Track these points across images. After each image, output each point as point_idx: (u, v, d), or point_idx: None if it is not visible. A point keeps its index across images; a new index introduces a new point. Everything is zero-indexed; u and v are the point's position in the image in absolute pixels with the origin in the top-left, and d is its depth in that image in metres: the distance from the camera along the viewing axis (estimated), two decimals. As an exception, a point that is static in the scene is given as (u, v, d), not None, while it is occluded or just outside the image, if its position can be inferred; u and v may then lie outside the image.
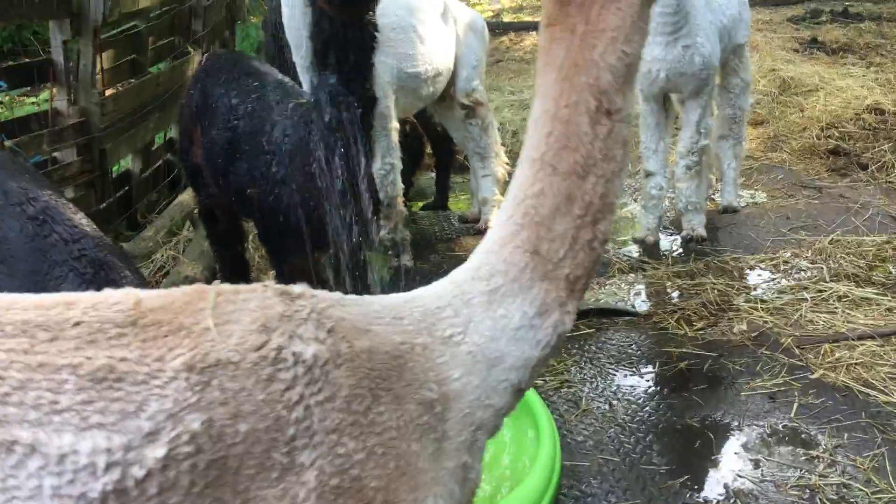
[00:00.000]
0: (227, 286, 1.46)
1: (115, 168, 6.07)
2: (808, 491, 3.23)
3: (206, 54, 5.80)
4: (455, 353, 1.54)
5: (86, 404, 1.23)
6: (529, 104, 8.65)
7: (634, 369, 4.25)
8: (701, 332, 4.54)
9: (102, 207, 5.81)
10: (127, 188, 6.20)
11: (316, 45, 2.93)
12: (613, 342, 4.52)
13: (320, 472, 1.38)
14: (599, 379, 4.19)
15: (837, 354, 4.11)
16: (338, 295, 1.56)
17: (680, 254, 5.53)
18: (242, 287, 1.48)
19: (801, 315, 4.53)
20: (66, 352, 1.27)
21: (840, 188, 6.47)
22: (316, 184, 3.10)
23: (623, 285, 5.13)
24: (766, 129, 7.73)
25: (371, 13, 2.84)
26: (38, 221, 2.58)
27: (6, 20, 6.27)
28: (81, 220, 2.69)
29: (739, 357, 4.23)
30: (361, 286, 3.25)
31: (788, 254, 5.33)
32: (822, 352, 4.15)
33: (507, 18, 16.54)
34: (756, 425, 3.69)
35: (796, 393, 3.86)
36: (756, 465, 3.42)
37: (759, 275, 5.14)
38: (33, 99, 8.23)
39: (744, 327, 4.50)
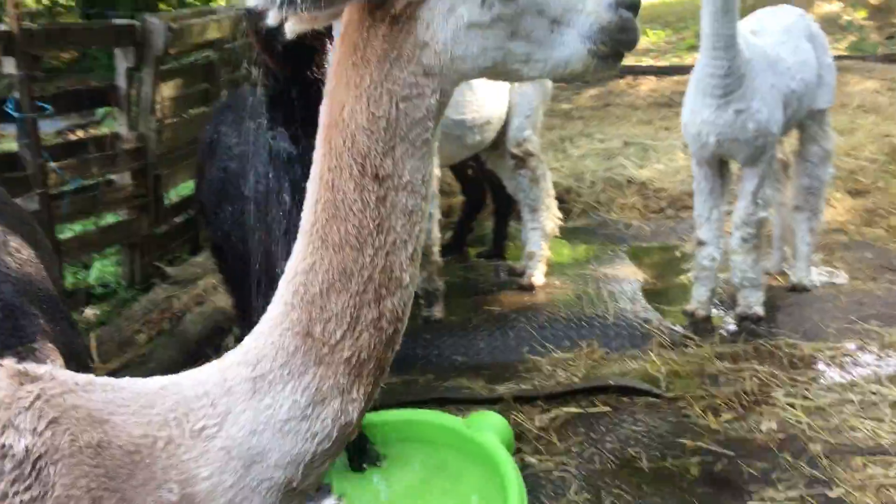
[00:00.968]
0: None
1: (170, 193, 6.22)
2: None
3: (227, 90, 5.88)
4: (206, 449, 1.38)
5: None
6: (617, 153, 8.39)
7: (638, 461, 3.88)
8: (726, 424, 4.12)
9: (161, 231, 5.98)
10: (187, 213, 6.34)
11: (265, 101, 2.85)
12: (625, 426, 4.17)
13: None
14: (597, 465, 3.86)
15: (870, 471, 3.61)
16: (86, 378, 1.43)
17: (730, 332, 5.07)
18: None
19: (843, 420, 4.03)
20: None
21: (935, 276, 5.80)
22: (274, 237, 3.00)
23: (659, 362, 4.74)
24: (864, 201, 7.05)
25: (317, 69, 2.72)
26: None
27: (76, 45, 6.57)
28: (19, 261, 2.66)
29: (758, 460, 3.79)
30: None
31: (852, 345, 4.78)
32: (852, 466, 3.66)
33: (629, 61, 16.13)
34: (751, 545, 3.28)
35: (809, 513, 3.41)
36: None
37: (810, 366, 4.62)
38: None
39: (773, 426, 4.04)
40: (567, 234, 6.91)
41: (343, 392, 1.43)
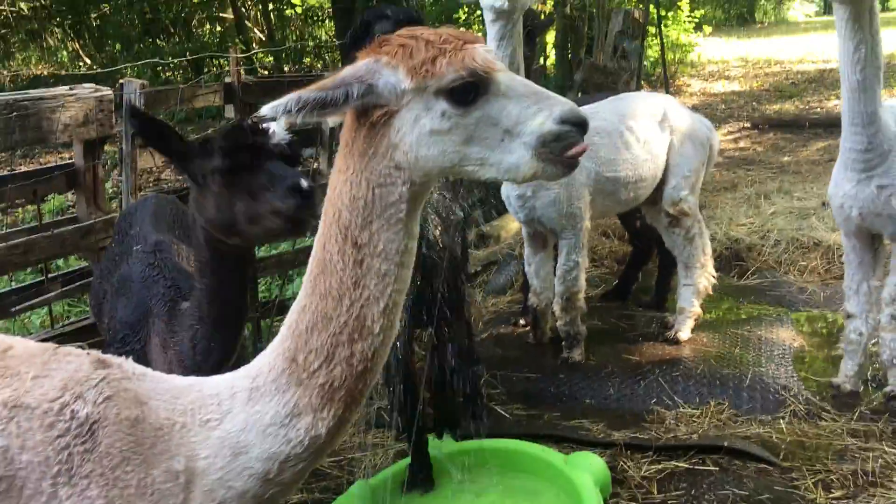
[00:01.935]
0: (68, 348, 2.00)
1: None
2: None
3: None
4: (207, 436, 1.87)
5: None
6: (811, 213, 8.12)
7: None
8: (833, 501, 4.07)
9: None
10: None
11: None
12: (728, 487, 4.23)
13: None
14: (687, 521, 4.00)
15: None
16: (142, 370, 2.00)
17: (872, 410, 4.89)
18: (76, 351, 2.01)
19: (962, 515, 3.85)
20: None
21: None
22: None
23: (786, 430, 4.71)
24: None
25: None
26: (152, 261, 3.33)
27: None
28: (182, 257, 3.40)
29: (852, 541, 3.75)
30: None
31: None
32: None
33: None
34: None
35: None
36: None
37: (949, 456, 4.39)
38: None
39: (881, 509, 3.95)
40: (735, 291, 6.90)
41: (315, 411, 1.84)
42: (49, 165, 4.17)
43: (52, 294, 4.25)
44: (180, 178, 8.07)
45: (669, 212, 5.72)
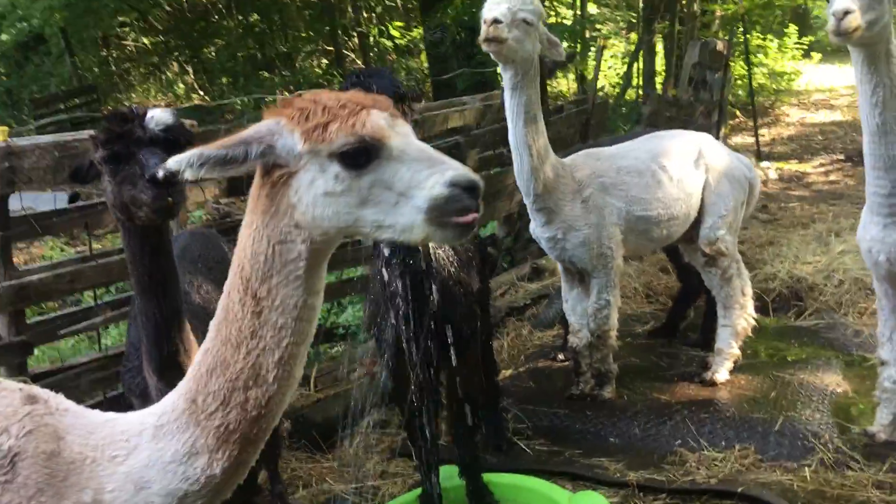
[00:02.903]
0: (7, 383, 2.21)
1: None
2: None
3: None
4: (114, 471, 1.99)
5: None
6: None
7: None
8: (842, 554, 3.96)
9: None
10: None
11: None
12: (735, 534, 4.19)
13: None
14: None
15: None
16: (66, 405, 2.12)
17: (907, 462, 4.71)
18: (12, 385, 2.17)
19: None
20: None
21: None
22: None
23: (810, 479, 4.59)
24: None
25: None
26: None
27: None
28: None
29: None
30: None
31: None
32: None
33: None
34: None
35: None
36: None
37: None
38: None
39: (888, 567, 3.81)
40: (788, 332, 6.74)
41: (211, 451, 1.93)
42: (99, 201, 4.54)
43: (98, 319, 4.65)
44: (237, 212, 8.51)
45: (706, 251, 5.68)
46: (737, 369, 5.87)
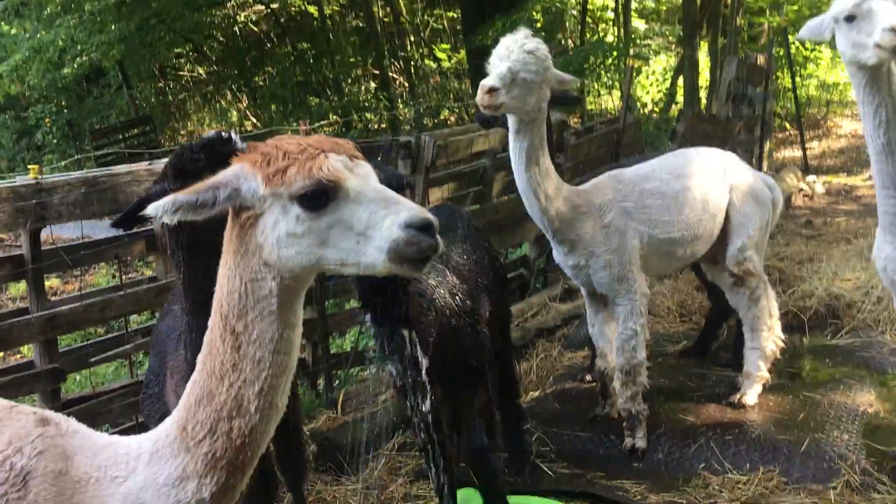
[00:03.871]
0: (24, 407, 2.36)
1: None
2: None
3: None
4: (114, 492, 2.13)
5: None
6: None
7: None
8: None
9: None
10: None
11: None
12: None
13: None
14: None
15: None
16: (77, 427, 2.27)
17: (937, 486, 4.60)
18: (28, 409, 2.35)
19: None
20: None
21: None
22: None
23: (835, 502, 4.52)
24: None
25: None
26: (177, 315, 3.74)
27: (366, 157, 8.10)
28: None
29: None
30: None
31: None
32: None
33: None
34: None
35: None
36: None
37: None
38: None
39: None
40: (822, 351, 6.63)
41: (200, 476, 2.05)
42: (128, 232, 4.75)
43: (128, 346, 4.84)
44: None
45: (734, 271, 5.60)
46: (767, 390, 5.79)
